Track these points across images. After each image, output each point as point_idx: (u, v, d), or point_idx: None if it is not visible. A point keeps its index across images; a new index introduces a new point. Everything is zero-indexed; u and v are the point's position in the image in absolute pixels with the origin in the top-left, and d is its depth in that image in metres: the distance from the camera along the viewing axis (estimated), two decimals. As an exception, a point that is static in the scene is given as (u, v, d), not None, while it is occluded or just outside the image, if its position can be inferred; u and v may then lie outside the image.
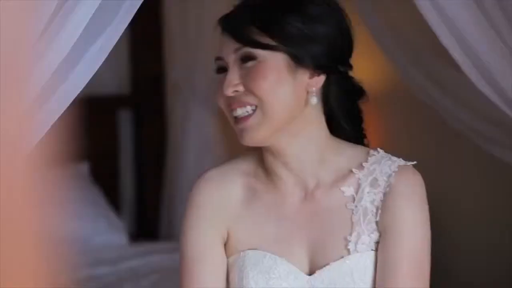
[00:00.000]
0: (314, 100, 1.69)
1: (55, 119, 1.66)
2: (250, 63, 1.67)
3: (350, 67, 1.75)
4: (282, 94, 1.66)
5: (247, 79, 1.67)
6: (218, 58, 1.71)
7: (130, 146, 4.18)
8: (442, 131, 3.32)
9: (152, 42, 4.11)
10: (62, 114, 1.69)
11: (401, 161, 1.73)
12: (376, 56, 3.50)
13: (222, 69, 1.71)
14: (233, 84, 1.68)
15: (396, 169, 1.71)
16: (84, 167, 3.85)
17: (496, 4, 2.07)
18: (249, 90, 1.66)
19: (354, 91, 1.77)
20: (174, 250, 3.58)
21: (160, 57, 4.13)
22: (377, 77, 3.93)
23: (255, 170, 1.76)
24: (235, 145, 4.49)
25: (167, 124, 4.14)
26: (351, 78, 1.76)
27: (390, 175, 1.70)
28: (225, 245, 1.76)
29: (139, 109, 4.16)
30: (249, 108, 1.67)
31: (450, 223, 3.67)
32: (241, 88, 1.67)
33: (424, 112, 3.31)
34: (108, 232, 3.76)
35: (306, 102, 1.69)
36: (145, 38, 4.10)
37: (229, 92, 1.67)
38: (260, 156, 1.76)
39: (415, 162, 1.74)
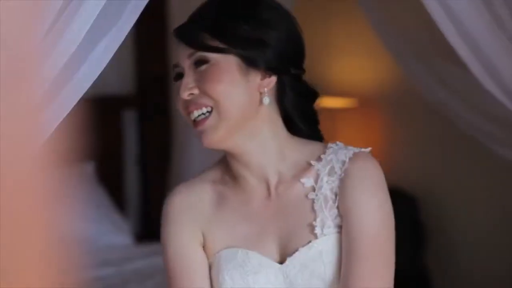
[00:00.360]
0: (267, 100, 1.77)
1: (61, 119, 1.66)
2: (203, 67, 1.74)
3: (303, 70, 1.82)
4: (236, 95, 1.74)
5: (201, 81, 1.74)
6: (175, 66, 1.79)
7: (135, 146, 4.18)
8: (448, 132, 3.32)
9: (157, 42, 4.11)
10: (67, 114, 1.69)
11: (355, 149, 1.79)
12: (383, 58, 3.49)
13: (179, 76, 1.78)
14: (188, 87, 1.75)
15: (351, 156, 1.77)
16: (89, 167, 3.85)
17: (503, 3, 2.07)
18: (203, 92, 1.74)
19: (308, 93, 1.84)
20: (179, 250, 3.58)
21: (164, 57, 4.13)
22: (382, 78, 3.93)
23: (222, 177, 1.85)
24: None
25: (172, 124, 4.14)
26: (304, 81, 1.83)
27: (344, 162, 1.77)
28: (203, 248, 1.83)
29: (143, 109, 4.16)
30: (204, 110, 1.74)
31: (457, 223, 3.66)
32: (196, 91, 1.74)
33: (430, 113, 3.31)
34: (113, 233, 3.76)
35: (260, 102, 1.76)
36: (150, 38, 4.10)
37: (185, 95, 1.75)
38: (226, 164, 1.84)
39: (370, 148, 1.80)
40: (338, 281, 1.73)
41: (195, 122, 1.75)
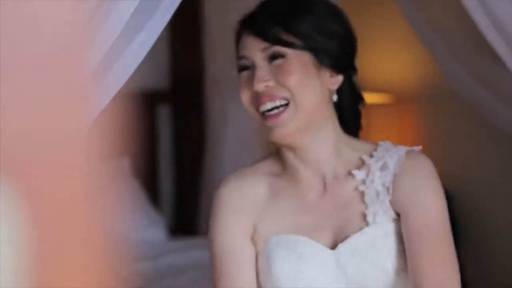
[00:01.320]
0: (335, 97, 1.81)
1: (97, 114, 1.67)
2: (279, 61, 1.76)
3: (356, 70, 1.86)
4: (312, 88, 1.76)
5: (278, 74, 1.75)
6: (242, 57, 1.81)
7: (169, 141, 4.20)
8: (484, 130, 3.29)
9: (192, 39, 4.12)
10: (103, 109, 1.70)
11: (407, 148, 1.82)
12: (419, 54, 3.47)
13: (245, 68, 1.80)
14: (264, 79, 1.75)
15: (404, 153, 1.80)
16: (124, 162, 3.87)
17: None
18: (281, 84, 1.75)
19: (359, 94, 1.88)
20: (213, 245, 3.59)
21: (199, 53, 4.13)
22: (419, 75, 3.90)
23: (275, 169, 1.84)
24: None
25: (206, 119, 4.15)
26: (355, 82, 1.87)
27: (399, 159, 1.79)
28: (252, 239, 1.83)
29: (178, 105, 4.18)
30: (278, 103, 1.75)
31: (490, 222, 3.63)
32: (271, 83, 1.75)
33: (466, 111, 3.27)
34: (148, 227, 3.78)
35: (329, 99, 1.80)
36: (185, 34, 4.11)
37: (261, 87, 1.75)
38: (278, 157, 1.84)
39: (420, 147, 1.83)
40: (390, 267, 1.74)
41: (266, 116, 1.76)
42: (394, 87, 3.91)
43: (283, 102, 1.75)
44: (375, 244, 1.75)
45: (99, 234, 0.89)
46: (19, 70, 0.86)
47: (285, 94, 1.75)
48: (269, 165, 1.86)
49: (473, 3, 2.01)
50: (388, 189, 1.78)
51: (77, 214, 0.86)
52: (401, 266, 1.75)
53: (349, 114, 1.86)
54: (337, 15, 1.83)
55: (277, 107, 1.75)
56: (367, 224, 1.76)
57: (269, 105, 1.75)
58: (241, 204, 1.82)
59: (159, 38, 1.80)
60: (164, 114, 4.18)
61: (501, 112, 2.65)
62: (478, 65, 2.66)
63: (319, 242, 1.78)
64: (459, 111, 3.58)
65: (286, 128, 1.75)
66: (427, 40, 2.79)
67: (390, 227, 1.76)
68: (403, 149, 1.81)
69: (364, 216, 1.77)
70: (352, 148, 1.84)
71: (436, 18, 2.72)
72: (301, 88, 1.75)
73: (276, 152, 1.85)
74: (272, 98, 1.75)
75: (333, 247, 1.78)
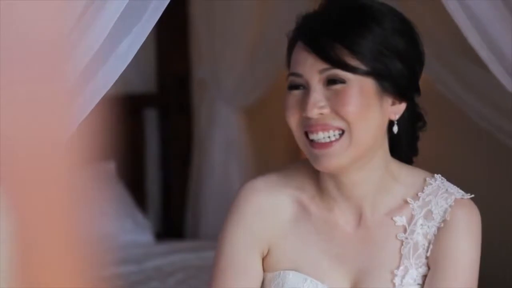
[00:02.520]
0: (396, 129, 1.63)
1: (83, 118, 1.67)
2: (338, 86, 1.57)
3: (419, 91, 1.68)
4: (371, 120, 1.58)
5: (335, 102, 1.57)
6: (295, 74, 1.60)
7: (156, 144, 4.19)
8: (470, 131, 3.30)
9: (178, 42, 4.12)
10: (89, 113, 1.70)
11: (458, 194, 1.66)
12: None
13: (296, 87, 1.60)
14: (319, 105, 1.57)
15: (453, 203, 1.64)
16: (111, 166, 3.87)
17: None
18: (337, 114, 1.57)
19: (419, 118, 1.71)
20: (200, 248, 3.59)
21: (186, 56, 4.13)
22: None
23: (308, 187, 1.68)
24: (260, 144, 4.49)
25: (193, 122, 4.15)
26: (417, 104, 1.70)
27: (446, 209, 1.64)
28: (264, 259, 1.68)
29: (165, 108, 4.18)
30: (331, 134, 1.58)
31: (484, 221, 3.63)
32: (326, 111, 1.57)
33: (452, 112, 3.29)
34: (134, 231, 3.78)
35: (386, 130, 1.63)
36: (172, 37, 4.11)
37: (314, 113, 1.57)
38: (312, 171, 1.66)
39: (472, 195, 1.67)
40: None
41: (315, 143, 1.58)
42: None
43: (338, 132, 1.57)
44: None
45: (85, 237, 0.89)
46: (4, 75, 0.87)
47: (341, 125, 1.57)
48: (302, 180, 1.68)
49: (456, 6, 2.03)
50: (429, 242, 1.63)
51: (62, 217, 0.86)
52: None
53: (406, 141, 1.68)
54: (408, 31, 1.62)
55: (329, 137, 1.57)
56: (393, 286, 1.62)
57: (321, 135, 1.57)
58: (263, 219, 1.66)
59: (146, 41, 1.80)
60: (151, 117, 4.18)
61: (483, 113, 2.67)
62: (462, 68, 2.68)
63: (336, 287, 1.63)
64: (443, 113, 3.59)
65: (336, 160, 1.57)
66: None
67: None
68: (453, 196, 1.64)
69: (393, 275, 1.62)
70: (400, 182, 1.66)
71: (420, 21, 2.74)
72: (359, 120, 1.56)
73: (308, 165, 1.64)
74: (325, 128, 1.57)
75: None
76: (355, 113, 1.56)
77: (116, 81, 1.76)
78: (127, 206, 3.84)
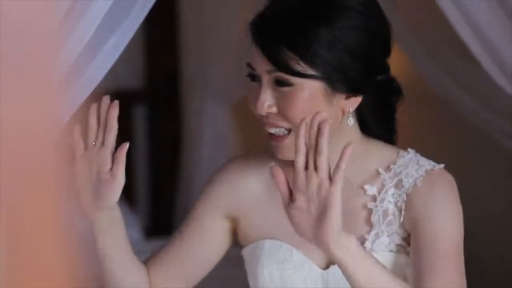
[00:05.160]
0: (351, 121, 1.65)
1: (71, 114, 1.67)
2: (286, 88, 1.60)
3: (388, 69, 1.68)
4: None
5: (282, 103, 1.61)
6: (250, 66, 1.64)
7: (145, 141, 4.18)
8: (461, 127, 3.30)
9: (167, 37, 4.11)
10: (78, 109, 1.69)
11: (429, 165, 1.68)
12: (393, 52, 3.48)
13: (254, 77, 1.65)
14: (267, 105, 1.62)
15: (423, 173, 1.66)
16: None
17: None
18: (283, 115, 1.62)
19: (392, 93, 1.71)
20: (189, 245, 3.59)
21: (175, 52, 4.13)
22: (398, 73, 3.91)
23: (283, 160, 1.71)
24: (250, 139, 4.47)
25: (182, 119, 4.14)
26: (390, 80, 1.70)
27: (416, 179, 1.66)
28: (240, 233, 1.77)
29: (154, 104, 4.17)
30: (280, 130, 1.64)
31: (477, 223, 3.63)
32: (274, 110, 1.63)
33: (448, 109, 3.28)
34: (123, 227, 3.76)
35: (342, 121, 1.65)
36: (160, 33, 4.10)
37: (263, 112, 1.63)
38: None
39: (443, 165, 1.69)
40: None
41: (271, 135, 1.66)
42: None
43: (285, 131, 1.63)
44: None
45: (72, 233, 0.89)
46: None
47: (287, 125, 1.62)
48: (276, 158, 1.72)
49: (448, 1, 2.03)
50: (400, 209, 1.65)
51: (49, 214, 0.86)
52: None
53: (373, 119, 1.69)
54: (366, 23, 1.61)
55: (281, 131, 1.64)
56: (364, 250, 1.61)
57: (272, 130, 1.64)
58: (229, 188, 1.76)
59: (134, 37, 1.79)
60: (139, 114, 4.17)
61: (475, 111, 2.67)
62: (453, 65, 2.68)
63: (311, 255, 1.68)
64: (434, 109, 3.59)
65: (290, 152, 1.61)
66: (401, 39, 2.80)
67: (388, 258, 1.65)
68: (423, 168, 1.66)
69: (363, 240, 1.66)
70: (369, 155, 1.69)
71: (411, 18, 2.74)
72: (305, 122, 1.57)
73: None
74: (274, 125, 1.63)
75: (327, 261, 1.69)
76: (300, 114, 1.58)
77: (105, 77, 1.76)
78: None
